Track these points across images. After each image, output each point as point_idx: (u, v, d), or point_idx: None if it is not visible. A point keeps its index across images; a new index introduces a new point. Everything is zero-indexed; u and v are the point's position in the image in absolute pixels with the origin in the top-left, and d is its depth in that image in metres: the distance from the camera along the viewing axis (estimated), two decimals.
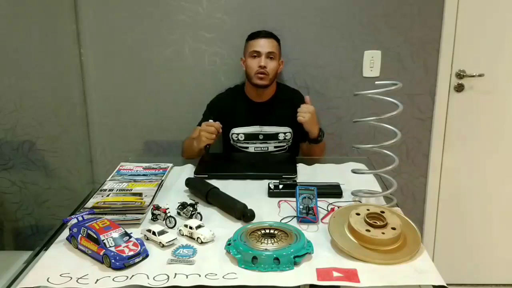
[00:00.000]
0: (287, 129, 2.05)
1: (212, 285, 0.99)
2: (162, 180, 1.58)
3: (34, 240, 2.45)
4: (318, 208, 1.32)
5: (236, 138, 2.05)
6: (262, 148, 2.05)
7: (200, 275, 1.02)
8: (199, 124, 1.98)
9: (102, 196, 1.40)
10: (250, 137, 2.04)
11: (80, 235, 1.13)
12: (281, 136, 2.04)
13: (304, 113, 1.87)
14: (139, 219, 1.29)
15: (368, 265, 1.06)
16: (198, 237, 1.17)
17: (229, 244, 1.12)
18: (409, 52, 2.22)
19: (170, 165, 1.73)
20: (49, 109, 2.29)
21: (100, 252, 1.07)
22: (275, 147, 2.05)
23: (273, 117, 2.05)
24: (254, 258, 1.05)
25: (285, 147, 2.06)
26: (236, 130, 2.05)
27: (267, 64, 1.96)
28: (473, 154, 2.36)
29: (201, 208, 1.36)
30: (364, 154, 1.84)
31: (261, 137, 2.05)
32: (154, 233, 1.17)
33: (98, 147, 2.37)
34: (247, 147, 2.05)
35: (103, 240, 1.09)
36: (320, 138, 1.95)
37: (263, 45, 1.97)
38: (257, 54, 1.97)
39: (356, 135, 2.32)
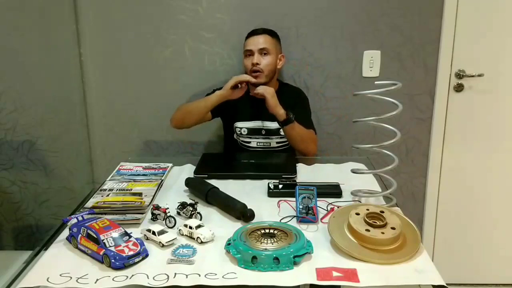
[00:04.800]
0: None
1: (212, 285, 0.99)
2: (162, 180, 1.58)
3: (34, 240, 2.45)
4: (318, 208, 1.32)
5: (239, 132, 2.05)
6: (265, 144, 2.04)
7: (200, 275, 1.02)
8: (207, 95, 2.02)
9: (102, 196, 1.40)
10: (253, 132, 2.04)
11: (80, 235, 1.13)
12: (283, 132, 2.02)
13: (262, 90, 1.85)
14: (139, 219, 1.29)
15: (367, 265, 1.06)
16: (198, 237, 1.17)
17: (229, 244, 1.12)
18: (409, 52, 2.22)
19: (170, 165, 1.73)
20: (49, 109, 2.29)
21: (100, 252, 1.07)
22: (277, 142, 2.04)
23: None
24: (254, 258, 1.05)
25: (287, 143, 2.04)
26: (239, 124, 2.05)
27: (260, 60, 1.95)
28: (472, 154, 2.36)
29: (201, 208, 1.36)
30: (364, 154, 1.84)
31: (263, 132, 2.04)
32: (154, 233, 1.17)
33: (98, 147, 2.37)
34: (249, 142, 2.05)
35: (103, 240, 1.09)
36: (289, 116, 1.86)
37: (255, 42, 1.97)
38: (250, 52, 1.98)
39: (356, 135, 2.32)
